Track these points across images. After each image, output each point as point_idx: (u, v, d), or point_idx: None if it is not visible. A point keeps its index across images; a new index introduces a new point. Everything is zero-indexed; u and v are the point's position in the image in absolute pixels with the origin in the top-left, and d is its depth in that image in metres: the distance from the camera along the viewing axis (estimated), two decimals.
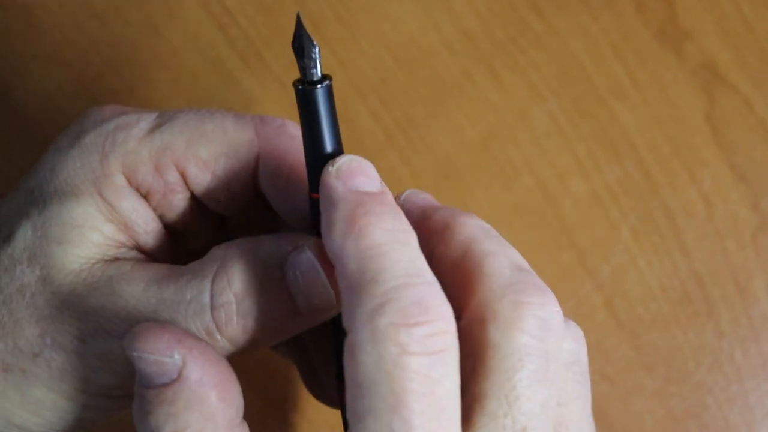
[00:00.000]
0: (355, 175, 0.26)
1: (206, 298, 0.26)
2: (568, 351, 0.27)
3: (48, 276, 0.27)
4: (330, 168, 0.26)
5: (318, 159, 0.27)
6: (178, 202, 0.29)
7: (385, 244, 0.24)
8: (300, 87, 0.26)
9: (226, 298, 0.26)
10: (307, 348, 0.34)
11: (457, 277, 0.26)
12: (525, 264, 0.27)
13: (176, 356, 0.24)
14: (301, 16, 0.26)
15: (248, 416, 0.38)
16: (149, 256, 0.30)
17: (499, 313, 0.25)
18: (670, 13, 0.44)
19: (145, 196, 0.29)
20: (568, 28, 0.44)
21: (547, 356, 0.25)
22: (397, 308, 0.23)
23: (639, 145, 0.43)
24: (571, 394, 0.26)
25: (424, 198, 0.30)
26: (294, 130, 0.30)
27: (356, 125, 0.42)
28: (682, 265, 0.42)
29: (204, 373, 0.25)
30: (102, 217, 0.28)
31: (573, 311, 0.41)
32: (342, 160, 0.26)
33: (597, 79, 0.43)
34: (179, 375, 0.24)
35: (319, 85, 0.26)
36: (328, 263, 0.26)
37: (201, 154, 0.28)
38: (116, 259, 0.28)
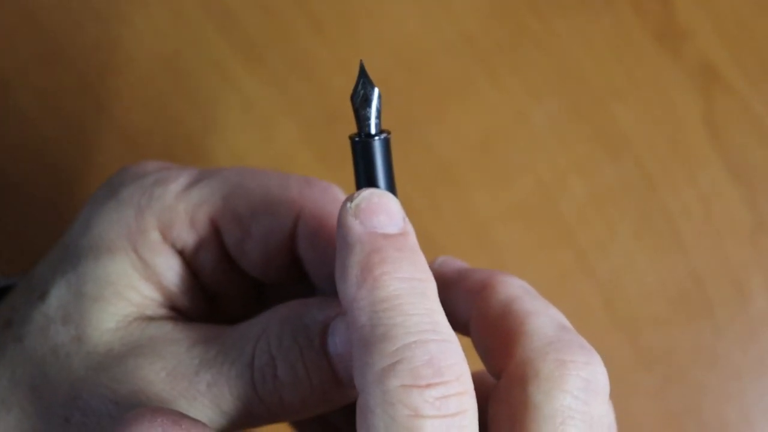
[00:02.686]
0: (374, 213, 0.24)
1: (247, 360, 0.25)
2: (609, 419, 0.25)
3: (83, 335, 0.26)
4: (348, 204, 0.24)
5: None
6: (213, 260, 0.28)
7: (399, 296, 0.23)
8: (357, 139, 0.25)
9: (265, 360, 0.25)
10: None
11: (497, 337, 0.25)
12: (568, 324, 0.26)
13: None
14: (362, 63, 0.25)
15: None
16: (186, 317, 0.28)
17: (542, 371, 0.23)
18: (668, 14, 0.44)
19: (180, 253, 0.28)
20: (567, 29, 0.44)
21: (591, 420, 0.23)
22: (409, 369, 0.21)
23: (638, 146, 0.43)
24: None
25: (458, 262, 0.28)
26: (339, 194, 0.28)
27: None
28: (680, 265, 0.42)
29: None
30: (137, 275, 0.27)
31: (572, 311, 0.41)
32: (362, 195, 0.24)
33: (596, 80, 0.43)
34: None
35: (378, 137, 0.25)
36: None
37: (238, 210, 0.27)
38: (153, 319, 0.27)
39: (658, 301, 0.42)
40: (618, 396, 0.42)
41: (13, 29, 0.42)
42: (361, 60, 0.25)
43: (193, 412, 0.25)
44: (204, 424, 0.23)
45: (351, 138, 0.25)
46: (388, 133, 0.25)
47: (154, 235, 0.27)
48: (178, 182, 0.28)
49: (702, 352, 0.42)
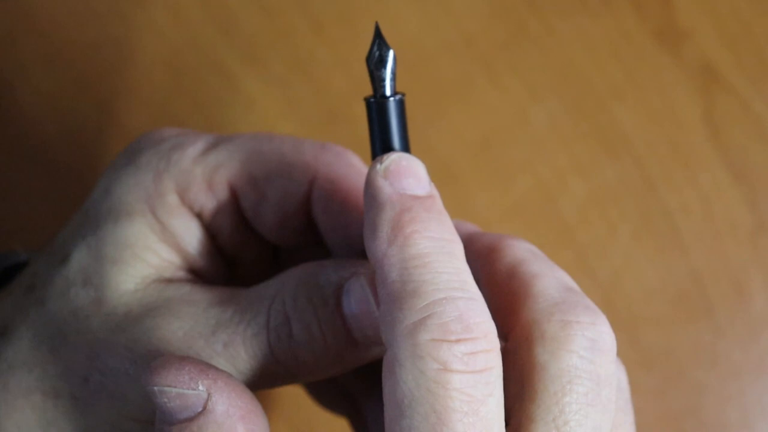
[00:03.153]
0: (403, 175, 0.24)
1: (263, 320, 0.25)
2: (617, 378, 0.25)
3: (102, 297, 0.26)
4: (378, 166, 0.25)
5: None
6: (230, 223, 0.28)
7: (429, 254, 0.23)
8: (373, 100, 0.25)
9: (281, 320, 0.25)
10: (360, 406, 0.33)
11: (503, 299, 0.25)
12: (574, 285, 0.26)
13: (201, 388, 0.23)
14: (378, 25, 0.25)
15: None
16: (205, 279, 0.29)
17: (547, 332, 0.24)
18: (668, 14, 0.44)
19: (198, 216, 0.28)
20: (567, 29, 0.44)
21: (598, 379, 0.23)
22: (439, 323, 0.22)
23: (637, 145, 0.43)
24: (620, 424, 0.25)
25: (468, 226, 0.29)
26: (354, 159, 0.29)
27: (357, 125, 0.43)
28: (680, 265, 0.42)
29: (230, 405, 0.23)
30: (155, 237, 0.27)
31: None
32: (391, 158, 0.25)
33: (596, 80, 0.43)
34: (204, 407, 0.23)
35: (393, 98, 0.25)
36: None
37: (254, 173, 0.28)
38: (171, 281, 0.27)
39: (658, 301, 0.42)
40: None
41: (13, 29, 0.42)
42: (376, 22, 0.25)
43: None
44: (229, 374, 0.24)
45: (366, 100, 0.26)
46: (403, 94, 0.26)
47: (172, 198, 0.28)
48: (195, 147, 0.28)
49: (702, 352, 0.42)
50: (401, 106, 0.26)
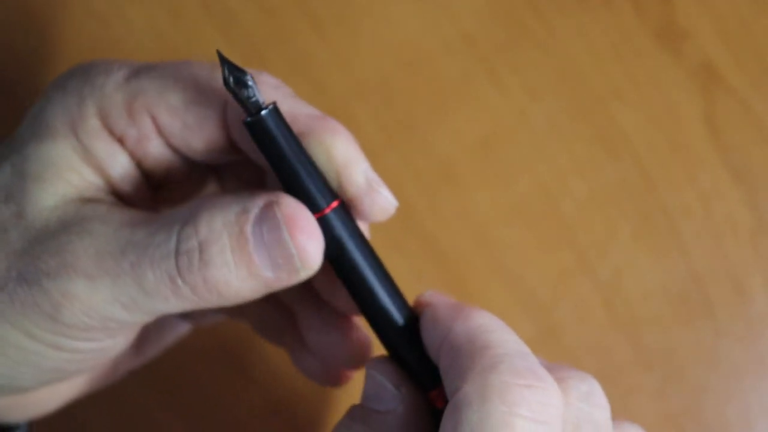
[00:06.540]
0: (447, 298, 0.28)
1: (172, 244, 0.26)
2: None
3: (23, 212, 0.27)
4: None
5: (292, 180, 0.27)
6: (154, 149, 0.29)
7: (492, 325, 0.24)
8: (250, 120, 0.26)
9: (190, 245, 0.26)
10: (298, 322, 0.34)
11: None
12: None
13: (402, 390, 0.26)
14: (220, 53, 0.27)
15: (251, 416, 0.38)
16: (127, 203, 0.30)
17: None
18: (668, 14, 0.44)
19: (120, 141, 0.29)
20: (567, 28, 0.44)
21: (599, 426, 0.25)
22: (511, 368, 0.22)
23: (638, 146, 0.43)
24: None
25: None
26: (266, 78, 0.29)
27: (357, 126, 0.43)
28: (680, 265, 0.42)
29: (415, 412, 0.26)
30: (77, 158, 0.28)
31: (572, 311, 0.42)
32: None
33: (596, 80, 0.43)
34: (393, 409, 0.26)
35: (265, 109, 0.26)
36: (294, 223, 0.26)
37: (171, 101, 0.28)
38: (92, 201, 0.28)
39: (658, 301, 0.42)
40: (618, 396, 0.42)
41: (13, 29, 0.42)
42: (217, 50, 0.27)
43: (117, 290, 0.26)
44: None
45: (245, 122, 0.26)
46: (273, 102, 0.26)
47: (94, 122, 0.28)
48: (119, 73, 0.29)
49: (702, 352, 0.42)
50: (279, 113, 0.27)
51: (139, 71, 0.29)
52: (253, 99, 0.26)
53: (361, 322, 0.32)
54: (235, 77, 0.26)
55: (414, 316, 0.28)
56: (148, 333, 0.35)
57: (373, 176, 0.28)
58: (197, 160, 0.30)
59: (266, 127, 0.26)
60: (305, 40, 0.43)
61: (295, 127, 0.27)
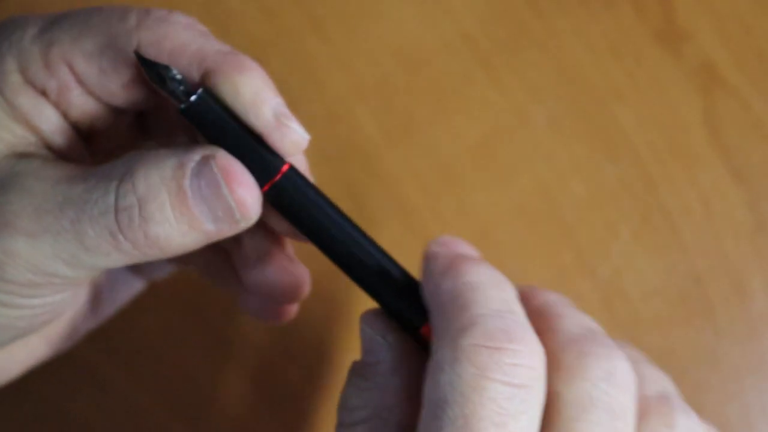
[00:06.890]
0: (455, 244, 0.28)
1: (111, 200, 0.26)
2: (662, 386, 0.27)
3: None
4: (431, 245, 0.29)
5: (242, 144, 0.27)
6: (76, 99, 0.29)
7: (481, 283, 0.24)
8: (184, 107, 0.27)
9: (129, 201, 0.26)
10: (234, 261, 0.34)
11: None
12: (597, 326, 0.27)
13: (389, 338, 0.26)
14: (138, 54, 0.27)
15: (242, 410, 0.38)
16: (62, 156, 0.30)
17: (563, 362, 0.24)
18: (668, 14, 0.44)
19: (43, 94, 0.29)
20: (568, 28, 0.44)
21: (612, 411, 0.23)
22: (483, 330, 0.22)
23: (638, 146, 0.43)
24: (674, 425, 0.25)
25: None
26: (177, 17, 0.29)
27: (357, 126, 0.43)
28: (680, 265, 0.42)
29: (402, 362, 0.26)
30: (4, 114, 0.28)
31: None
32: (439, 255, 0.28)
33: (596, 80, 0.43)
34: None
35: (196, 93, 0.26)
36: (231, 176, 0.26)
37: (85, 47, 0.28)
38: (25, 156, 0.28)
39: (658, 301, 0.42)
40: None
41: None
42: (134, 51, 0.27)
43: (58, 247, 0.26)
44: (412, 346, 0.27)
45: (180, 110, 0.27)
46: (200, 85, 0.27)
47: (15, 78, 0.28)
48: (34, 26, 0.29)
49: (702, 352, 0.42)
50: (211, 94, 0.27)
51: (53, 22, 0.29)
52: (181, 88, 0.26)
53: (295, 256, 0.33)
54: (158, 74, 0.26)
55: (389, 257, 0.29)
56: (101, 292, 0.35)
57: (283, 111, 0.28)
58: (120, 106, 0.30)
59: (199, 112, 0.27)
60: (305, 40, 0.43)
61: (204, 65, 0.27)
